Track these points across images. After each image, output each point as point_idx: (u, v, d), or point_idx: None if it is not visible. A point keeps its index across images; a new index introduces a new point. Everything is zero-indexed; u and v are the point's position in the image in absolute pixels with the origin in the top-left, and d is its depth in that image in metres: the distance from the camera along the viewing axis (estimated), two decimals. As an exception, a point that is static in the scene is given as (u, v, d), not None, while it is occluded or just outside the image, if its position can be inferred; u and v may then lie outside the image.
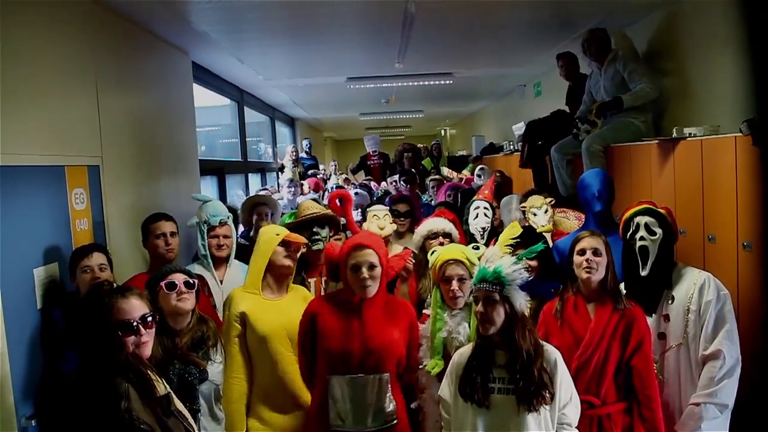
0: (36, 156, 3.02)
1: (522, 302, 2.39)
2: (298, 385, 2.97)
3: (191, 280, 2.82)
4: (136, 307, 2.18)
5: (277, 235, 3.07)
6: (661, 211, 2.93)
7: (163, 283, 2.75)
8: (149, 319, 2.19)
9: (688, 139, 3.51)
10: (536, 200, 3.95)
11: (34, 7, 3.06)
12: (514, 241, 3.25)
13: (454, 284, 2.84)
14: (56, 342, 2.84)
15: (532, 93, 7.93)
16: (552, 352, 2.43)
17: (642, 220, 2.90)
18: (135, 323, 2.14)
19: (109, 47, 3.88)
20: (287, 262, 3.07)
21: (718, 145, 3.23)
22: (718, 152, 3.23)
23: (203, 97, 6.55)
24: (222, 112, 8.28)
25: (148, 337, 2.18)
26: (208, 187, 6.65)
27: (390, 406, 2.67)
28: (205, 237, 3.62)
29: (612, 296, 2.73)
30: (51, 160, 3.15)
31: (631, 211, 2.98)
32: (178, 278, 2.79)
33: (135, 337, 2.13)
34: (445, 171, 7.66)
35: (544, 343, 2.48)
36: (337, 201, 3.58)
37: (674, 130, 3.63)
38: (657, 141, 3.88)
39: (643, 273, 2.88)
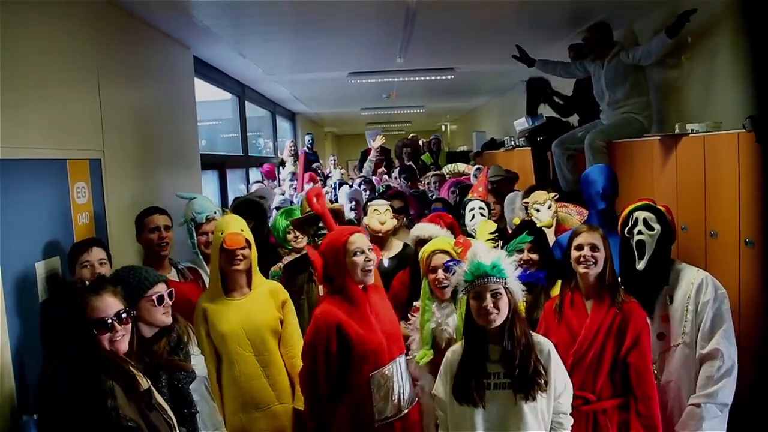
0: (38, 149, 3.01)
1: (520, 293, 2.41)
2: (257, 386, 3.00)
3: (172, 289, 2.66)
4: (111, 304, 2.18)
5: (222, 233, 3.03)
6: (661, 208, 2.93)
7: (154, 297, 2.55)
8: (124, 315, 2.19)
9: (691, 135, 3.51)
10: (539, 196, 3.93)
11: (35, 1, 3.05)
12: (494, 235, 3.25)
13: (440, 273, 2.91)
14: (55, 335, 2.84)
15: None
16: (545, 344, 2.45)
17: (641, 215, 2.91)
18: (110, 321, 2.14)
19: (111, 41, 3.87)
20: (228, 267, 3.04)
21: (721, 141, 3.23)
22: (720, 148, 3.23)
23: (204, 91, 6.54)
24: (223, 106, 8.27)
25: (124, 332, 2.19)
26: (209, 182, 6.65)
27: (410, 386, 2.78)
28: (194, 234, 3.60)
29: (610, 292, 2.73)
30: (53, 153, 3.15)
31: (631, 206, 2.99)
32: (164, 289, 2.62)
33: (111, 334, 2.14)
34: (462, 167, 7.60)
35: (535, 334, 2.50)
36: (314, 198, 3.55)
37: (676, 126, 3.63)
38: (659, 137, 3.88)
39: (640, 267, 2.88)
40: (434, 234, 3.48)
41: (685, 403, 2.75)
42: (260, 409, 3.01)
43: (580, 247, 2.75)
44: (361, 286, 2.77)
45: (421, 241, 3.45)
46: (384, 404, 2.68)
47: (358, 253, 2.72)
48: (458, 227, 3.82)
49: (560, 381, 2.42)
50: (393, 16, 4.63)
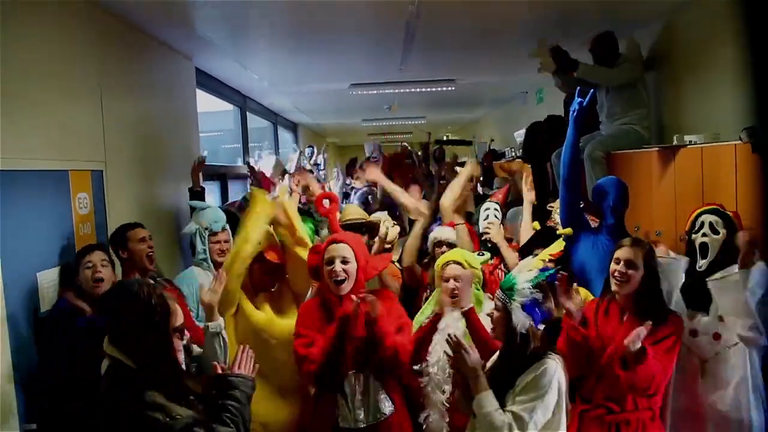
0: (40, 161, 3.04)
1: (522, 322, 2.34)
2: (285, 374, 3.04)
3: None
4: (179, 311, 2.20)
5: (259, 243, 3.12)
6: (729, 213, 2.94)
7: None
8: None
9: (689, 146, 3.52)
10: None
11: (38, 12, 3.09)
12: (551, 256, 3.20)
13: (451, 282, 2.90)
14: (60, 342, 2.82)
15: (534, 100, 7.95)
16: (551, 370, 2.30)
17: (707, 218, 2.93)
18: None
19: (113, 52, 3.91)
20: (261, 276, 3.18)
21: (718, 152, 3.25)
22: (718, 159, 3.24)
23: (206, 102, 6.57)
24: (225, 117, 8.29)
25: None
26: (210, 193, 6.65)
27: (383, 402, 2.73)
28: (206, 242, 3.66)
29: (647, 310, 2.64)
30: (55, 164, 3.17)
31: (699, 210, 3.01)
32: None
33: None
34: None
35: (551, 362, 2.33)
36: (324, 202, 3.62)
37: (675, 137, 3.65)
38: (658, 148, 3.89)
39: (700, 267, 2.88)
40: (449, 237, 3.61)
41: (740, 407, 2.72)
42: (286, 398, 3.02)
43: (617, 261, 2.73)
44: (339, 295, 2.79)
45: (439, 243, 3.59)
46: (337, 408, 2.72)
47: (329, 262, 2.76)
48: (475, 234, 3.86)
49: (533, 401, 2.28)
50: (394, 27, 4.66)
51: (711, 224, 2.90)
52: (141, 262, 3.37)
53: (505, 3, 4.21)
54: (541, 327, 2.37)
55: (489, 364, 2.50)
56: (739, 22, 3.59)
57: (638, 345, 2.43)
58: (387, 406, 2.73)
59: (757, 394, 2.76)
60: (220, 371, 2.24)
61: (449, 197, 4.03)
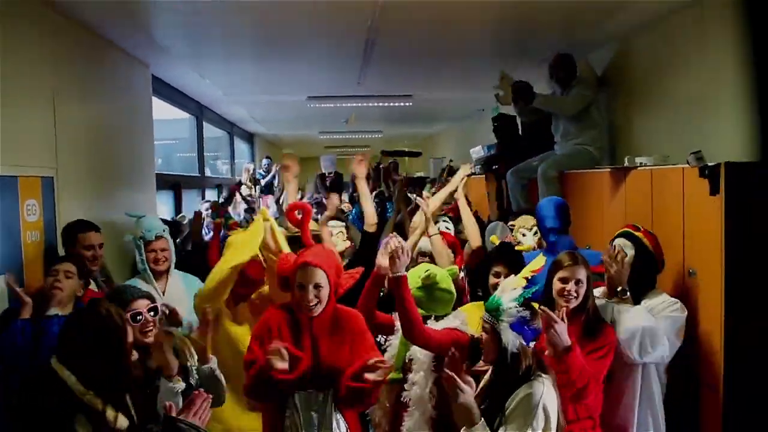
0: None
1: (513, 341, 2.31)
2: None
3: (156, 305, 2.63)
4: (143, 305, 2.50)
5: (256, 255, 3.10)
6: (638, 235, 3.02)
7: (128, 315, 2.43)
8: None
9: (639, 168, 3.62)
10: (527, 221, 3.93)
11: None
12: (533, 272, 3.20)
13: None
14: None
15: (490, 117, 8.04)
16: (535, 393, 2.29)
17: (617, 242, 3.02)
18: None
19: (67, 56, 3.84)
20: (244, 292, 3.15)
21: (668, 174, 3.34)
22: (667, 182, 3.33)
23: (161, 110, 6.48)
24: (180, 125, 8.19)
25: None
26: (164, 202, 6.56)
27: (337, 423, 2.64)
28: (143, 252, 3.60)
29: (586, 322, 2.73)
30: (3, 170, 3.09)
31: (616, 234, 3.11)
32: (142, 306, 2.55)
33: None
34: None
35: (537, 385, 2.30)
36: (296, 213, 3.54)
37: (626, 158, 3.74)
38: (609, 169, 3.99)
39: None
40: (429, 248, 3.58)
41: (638, 419, 2.84)
42: (253, 408, 3.00)
43: (565, 281, 2.75)
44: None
45: (423, 254, 3.56)
46: (289, 426, 2.61)
47: (300, 287, 2.61)
48: (459, 246, 3.85)
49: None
50: (353, 42, 4.68)
51: (620, 247, 2.99)
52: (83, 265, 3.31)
53: (463, 21, 4.26)
54: (531, 345, 2.35)
55: (482, 384, 2.46)
56: (697, 46, 3.66)
57: (564, 340, 2.48)
58: (341, 428, 2.64)
59: (653, 412, 2.86)
60: (173, 413, 2.11)
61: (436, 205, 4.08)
